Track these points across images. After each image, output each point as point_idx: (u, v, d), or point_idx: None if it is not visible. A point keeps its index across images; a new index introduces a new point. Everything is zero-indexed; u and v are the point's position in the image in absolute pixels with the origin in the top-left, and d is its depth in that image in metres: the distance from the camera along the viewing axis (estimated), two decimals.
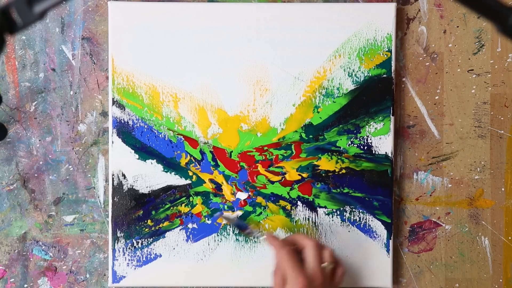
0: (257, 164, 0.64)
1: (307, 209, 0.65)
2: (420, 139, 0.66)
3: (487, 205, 0.67)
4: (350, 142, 0.64)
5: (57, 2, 0.38)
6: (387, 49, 0.64)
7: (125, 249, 0.64)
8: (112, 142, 0.64)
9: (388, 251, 0.65)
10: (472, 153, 0.66)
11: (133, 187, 0.64)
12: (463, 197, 0.67)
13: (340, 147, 0.64)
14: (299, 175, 0.65)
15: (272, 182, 0.65)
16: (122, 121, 0.64)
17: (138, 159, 0.64)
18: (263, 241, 0.60)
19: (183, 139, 0.64)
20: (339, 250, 0.65)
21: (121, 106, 0.63)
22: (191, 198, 0.64)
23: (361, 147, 0.64)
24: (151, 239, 0.64)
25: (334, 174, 0.64)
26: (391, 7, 0.64)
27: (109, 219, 0.64)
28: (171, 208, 0.64)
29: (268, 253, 0.64)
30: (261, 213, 0.65)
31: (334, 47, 0.64)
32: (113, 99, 0.63)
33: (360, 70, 0.64)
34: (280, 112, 0.64)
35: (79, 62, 0.65)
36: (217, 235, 0.65)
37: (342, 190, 0.64)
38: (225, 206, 0.65)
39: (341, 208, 0.64)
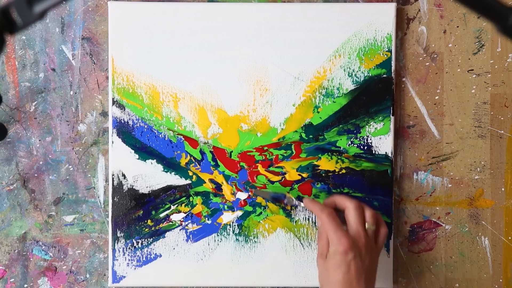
0: (257, 164, 0.64)
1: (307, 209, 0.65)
2: (420, 139, 0.66)
3: (487, 205, 0.67)
4: (350, 142, 0.64)
5: (57, 2, 0.38)
6: (387, 49, 0.64)
7: (125, 249, 0.64)
8: (112, 142, 0.64)
9: (388, 251, 0.65)
10: (472, 153, 0.66)
11: (133, 187, 0.64)
12: (463, 197, 0.67)
13: (340, 147, 0.64)
14: (299, 175, 0.65)
15: (272, 182, 0.65)
16: (122, 121, 0.64)
17: (138, 159, 0.64)
18: (303, 207, 0.60)
19: (183, 139, 0.64)
20: None
21: (121, 106, 0.63)
22: (191, 198, 0.64)
23: (361, 147, 0.64)
24: (151, 239, 0.64)
25: (334, 174, 0.64)
26: (391, 7, 0.64)
27: (109, 219, 0.64)
28: (171, 208, 0.64)
29: (268, 253, 0.64)
30: (261, 213, 0.65)
31: (334, 47, 0.64)
32: (113, 99, 0.63)
33: (360, 70, 0.64)
34: (280, 112, 0.64)
35: (79, 62, 0.65)
36: (217, 235, 0.65)
37: (342, 190, 0.64)
38: (225, 206, 0.65)
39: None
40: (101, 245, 0.66)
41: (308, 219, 0.65)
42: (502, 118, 0.66)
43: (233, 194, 0.65)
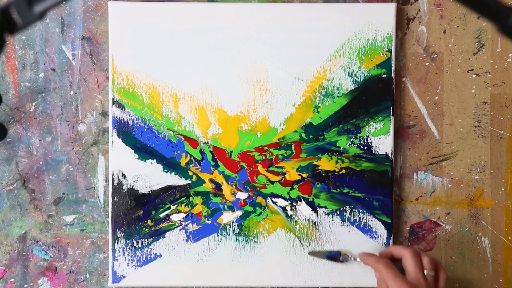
0: (257, 164, 0.64)
1: (307, 208, 0.65)
2: (420, 139, 0.66)
3: (487, 205, 0.67)
4: (350, 142, 0.64)
5: (57, 2, 0.38)
6: (387, 49, 0.64)
7: (125, 249, 0.64)
8: (112, 142, 0.64)
9: None
10: (472, 153, 0.66)
11: (133, 187, 0.64)
12: (463, 197, 0.67)
13: (340, 147, 0.64)
14: (299, 175, 0.65)
15: (272, 182, 0.65)
16: (122, 121, 0.64)
17: (138, 159, 0.64)
18: (359, 262, 0.62)
19: (183, 139, 0.64)
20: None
21: (121, 106, 0.63)
22: (191, 198, 0.64)
23: (361, 147, 0.64)
24: (151, 239, 0.64)
25: (334, 174, 0.64)
26: (391, 7, 0.64)
27: (109, 219, 0.64)
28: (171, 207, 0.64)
29: (268, 253, 0.64)
30: (261, 213, 0.65)
31: (334, 47, 0.64)
32: (113, 99, 0.63)
33: (360, 70, 0.64)
34: (280, 112, 0.64)
35: (79, 62, 0.65)
36: (217, 235, 0.65)
37: (342, 190, 0.64)
38: (225, 206, 0.65)
39: (341, 208, 0.64)
40: (101, 245, 0.66)
41: (308, 219, 0.65)
42: (502, 118, 0.66)
43: (233, 194, 0.65)
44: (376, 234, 0.65)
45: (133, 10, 0.63)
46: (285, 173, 0.65)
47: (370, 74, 0.64)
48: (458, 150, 0.66)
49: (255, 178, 0.65)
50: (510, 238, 0.67)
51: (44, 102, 0.65)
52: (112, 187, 0.64)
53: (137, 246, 0.64)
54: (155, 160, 0.64)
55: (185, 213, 0.64)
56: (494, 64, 0.66)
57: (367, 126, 0.64)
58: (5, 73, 0.65)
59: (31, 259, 0.66)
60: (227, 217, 0.65)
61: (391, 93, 0.64)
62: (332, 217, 0.65)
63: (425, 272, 0.56)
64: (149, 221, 0.64)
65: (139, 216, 0.64)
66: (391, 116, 0.64)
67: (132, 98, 0.63)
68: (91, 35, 0.65)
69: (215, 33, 0.63)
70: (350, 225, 0.65)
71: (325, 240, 0.65)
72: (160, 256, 0.64)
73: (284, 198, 0.65)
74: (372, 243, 0.65)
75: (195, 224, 0.64)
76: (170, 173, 0.64)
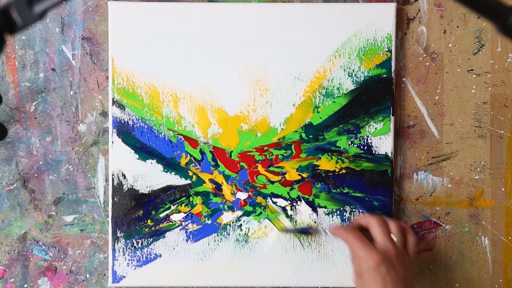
0: (257, 164, 0.64)
1: (307, 208, 0.65)
2: (420, 139, 0.66)
3: (487, 205, 0.67)
4: (350, 142, 0.64)
5: (57, 2, 0.38)
6: (387, 49, 0.64)
7: (125, 249, 0.64)
8: (112, 142, 0.64)
9: None
10: (472, 153, 0.66)
11: (133, 187, 0.64)
12: (463, 197, 0.67)
13: (340, 147, 0.64)
14: (299, 175, 0.65)
15: (272, 182, 0.65)
16: (122, 121, 0.64)
17: (138, 159, 0.64)
18: (330, 235, 0.62)
19: (183, 139, 0.64)
20: (339, 250, 0.65)
21: (121, 106, 0.63)
22: (191, 198, 0.64)
23: (361, 147, 0.64)
24: (151, 239, 0.64)
25: (334, 174, 0.64)
26: (391, 7, 0.64)
27: (109, 219, 0.64)
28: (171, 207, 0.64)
29: (268, 253, 0.64)
30: (261, 213, 0.65)
31: (334, 47, 0.64)
32: (113, 99, 0.63)
33: (360, 70, 0.64)
34: (280, 112, 0.64)
35: (79, 62, 0.65)
36: (217, 235, 0.65)
37: (342, 190, 0.64)
38: (225, 206, 0.65)
39: (341, 208, 0.64)
40: (101, 245, 0.66)
41: (309, 218, 0.65)
42: (502, 118, 0.66)
43: (233, 194, 0.65)
44: None
45: (133, 10, 0.63)
46: (285, 173, 0.65)
47: (370, 74, 0.64)
48: (458, 150, 0.66)
49: (255, 178, 0.65)
50: (510, 238, 0.67)
51: (44, 102, 0.65)
52: (112, 187, 0.64)
53: (137, 246, 0.64)
54: (155, 160, 0.64)
55: (185, 213, 0.64)
56: (494, 64, 0.66)
57: (367, 126, 0.64)
58: (5, 73, 0.65)
59: (31, 259, 0.66)
60: (227, 217, 0.65)
61: (391, 93, 0.64)
62: (332, 217, 0.65)
63: (393, 237, 0.56)
64: (149, 221, 0.64)
65: (139, 216, 0.64)
66: (391, 116, 0.64)
67: (132, 98, 0.63)
68: (91, 35, 0.65)
69: (215, 33, 0.63)
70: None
71: (325, 240, 0.65)
72: (160, 256, 0.64)
73: (284, 198, 0.65)
74: None
75: (195, 224, 0.64)
76: (170, 173, 0.64)
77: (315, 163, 0.64)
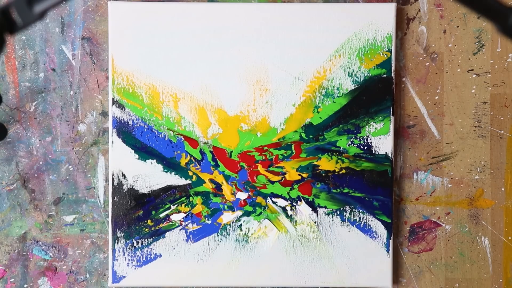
0: (257, 164, 0.64)
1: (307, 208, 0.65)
2: (420, 139, 0.66)
3: (487, 205, 0.67)
4: (350, 142, 0.64)
5: (57, 2, 0.38)
6: (387, 49, 0.64)
7: (125, 249, 0.64)
8: (112, 142, 0.64)
9: (388, 251, 0.65)
10: (472, 153, 0.66)
11: (133, 187, 0.64)
12: (463, 197, 0.67)
13: (340, 147, 0.64)
14: (299, 175, 0.65)
15: (272, 182, 0.65)
16: (122, 121, 0.64)
17: (138, 159, 0.64)
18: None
19: (183, 139, 0.64)
20: (339, 250, 0.65)
21: (121, 106, 0.63)
22: (191, 198, 0.64)
23: (361, 147, 0.64)
24: (151, 239, 0.64)
25: (334, 174, 0.64)
26: (391, 7, 0.64)
27: (109, 219, 0.64)
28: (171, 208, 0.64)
29: (268, 253, 0.64)
30: (261, 213, 0.65)
31: (334, 47, 0.64)
32: (113, 99, 0.63)
33: (360, 70, 0.64)
34: (280, 112, 0.64)
35: (79, 62, 0.65)
36: (217, 235, 0.65)
37: (342, 190, 0.64)
38: (225, 206, 0.65)
39: (341, 208, 0.64)
40: (101, 245, 0.66)
41: (308, 218, 0.65)
42: (502, 118, 0.66)
43: (233, 194, 0.65)
44: (376, 234, 0.65)
45: (133, 10, 0.63)
46: (285, 173, 0.65)
47: (370, 74, 0.64)
48: (458, 150, 0.66)
49: (255, 178, 0.65)
50: (510, 238, 0.67)
51: (44, 102, 0.65)
52: (112, 187, 0.64)
53: (137, 246, 0.64)
54: (155, 160, 0.64)
55: (185, 213, 0.64)
56: (494, 64, 0.66)
57: (367, 126, 0.64)
58: (5, 73, 0.65)
59: (31, 259, 0.66)
60: (227, 217, 0.65)
61: (391, 93, 0.64)
62: (332, 217, 0.65)
63: None
64: (149, 221, 0.64)
65: (139, 216, 0.64)
66: (391, 116, 0.64)
67: (132, 98, 0.63)
68: (91, 35, 0.65)
69: (215, 33, 0.63)
70: (350, 225, 0.65)
71: (325, 240, 0.65)
72: (160, 256, 0.64)
73: (284, 198, 0.65)
74: (372, 243, 0.65)
75: (195, 224, 0.64)
76: (170, 173, 0.64)
77: (315, 163, 0.64)
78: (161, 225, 0.64)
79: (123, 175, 0.64)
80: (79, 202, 0.66)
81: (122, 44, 0.63)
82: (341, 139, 0.64)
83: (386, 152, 0.64)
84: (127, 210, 0.64)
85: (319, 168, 0.64)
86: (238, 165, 0.64)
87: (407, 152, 0.66)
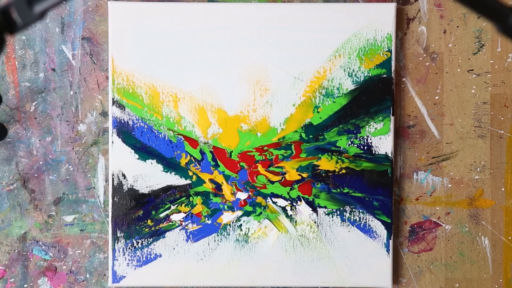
0: (257, 164, 0.64)
1: (307, 208, 0.65)
2: (420, 139, 0.66)
3: (487, 205, 0.67)
4: (350, 142, 0.64)
5: (57, 2, 0.38)
6: (387, 49, 0.64)
7: (125, 249, 0.64)
8: (112, 142, 0.64)
9: (388, 251, 0.65)
10: (472, 153, 0.66)
11: (133, 187, 0.64)
12: (463, 197, 0.67)
13: (340, 147, 0.64)
14: (299, 175, 0.65)
15: (272, 182, 0.65)
16: (122, 121, 0.64)
17: (138, 159, 0.64)
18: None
19: (183, 139, 0.64)
20: (339, 250, 0.65)
21: (121, 106, 0.63)
22: (191, 198, 0.64)
23: (361, 147, 0.64)
24: (151, 239, 0.64)
25: (334, 174, 0.64)
26: (391, 7, 0.64)
27: (109, 219, 0.64)
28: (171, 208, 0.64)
29: (268, 253, 0.64)
30: (261, 213, 0.65)
31: (334, 47, 0.64)
32: (113, 99, 0.63)
33: (360, 70, 0.64)
34: (280, 112, 0.64)
35: (79, 62, 0.65)
36: (217, 235, 0.65)
37: (342, 190, 0.64)
38: (225, 206, 0.65)
39: (341, 208, 0.64)
40: (101, 245, 0.66)
41: (309, 218, 0.65)
42: (502, 118, 0.66)
43: (233, 194, 0.65)
44: (376, 234, 0.65)
45: (133, 10, 0.63)
46: (285, 173, 0.65)
47: (370, 74, 0.64)
48: (458, 150, 0.66)
49: (255, 178, 0.65)
50: (510, 238, 0.67)
51: (44, 102, 0.65)
52: (112, 187, 0.64)
53: (137, 246, 0.64)
54: (155, 160, 0.64)
55: (185, 213, 0.64)
56: (494, 64, 0.66)
57: (367, 126, 0.64)
58: (5, 73, 0.65)
59: (31, 259, 0.66)
60: (227, 217, 0.65)
61: (391, 93, 0.64)
62: (332, 217, 0.65)
63: None
64: (149, 221, 0.64)
65: (139, 216, 0.64)
66: (391, 116, 0.64)
67: (132, 98, 0.63)
68: (91, 35, 0.65)
69: (215, 33, 0.63)
70: (350, 225, 0.65)
71: (325, 240, 0.65)
72: (160, 256, 0.64)
73: (284, 198, 0.65)
74: (372, 243, 0.65)
75: (195, 224, 0.64)
76: (170, 173, 0.64)
77: (315, 163, 0.64)
78: (161, 225, 0.64)
79: (123, 175, 0.64)
80: (79, 202, 0.66)
81: (122, 44, 0.63)
82: (341, 139, 0.64)
83: (386, 152, 0.64)
84: (127, 210, 0.64)
85: (319, 168, 0.64)
86: (238, 165, 0.64)
87: (407, 152, 0.66)
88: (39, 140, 0.65)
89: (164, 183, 0.64)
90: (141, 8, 0.63)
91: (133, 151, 0.64)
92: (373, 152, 0.64)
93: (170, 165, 0.64)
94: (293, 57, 0.64)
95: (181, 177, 0.64)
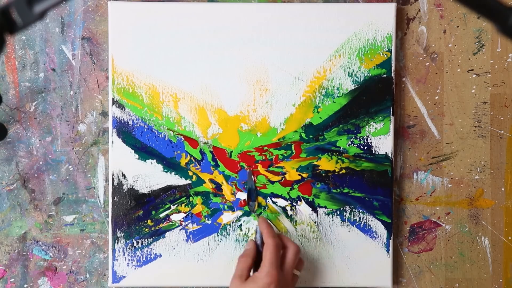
0: (257, 164, 0.64)
1: (307, 208, 0.65)
2: (420, 139, 0.66)
3: (487, 205, 0.67)
4: (350, 142, 0.64)
5: (57, 2, 0.38)
6: (387, 49, 0.64)
7: (125, 249, 0.64)
8: (112, 142, 0.64)
9: (388, 251, 0.65)
10: (472, 153, 0.66)
11: (133, 187, 0.64)
12: (463, 197, 0.67)
13: (340, 147, 0.64)
14: (299, 175, 0.65)
15: (272, 182, 0.65)
16: (122, 121, 0.64)
17: (138, 159, 0.64)
18: (257, 221, 0.63)
19: (183, 139, 0.64)
20: (339, 250, 0.65)
21: (121, 106, 0.63)
22: (191, 198, 0.64)
23: (361, 147, 0.64)
24: (151, 239, 0.64)
25: (334, 174, 0.64)
26: (391, 7, 0.64)
27: (109, 219, 0.64)
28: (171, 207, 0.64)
29: None
30: (261, 213, 0.65)
31: (334, 47, 0.64)
32: (113, 99, 0.63)
33: (360, 70, 0.64)
34: (280, 112, 0.64)
35: (79, 62, 0.65)
36: (217, 235, 0.65)
37: (342, 190, 0.64)
38: (225, 206, 0.65)
39: (341, 208, 0.64)
40: (101, 245, 0.66)
41: (309, 218, 0.65)
42: (502, 118, 0.66)
43: (233, 194, 0.65)
44: (376, 234, 0.65)
45: (133, 10, 0.63)
46: (285, 173, 0.65)
47: (370, 74, 0.64)
48: (458, 150, 0.66)
49: (255, 178, 0.65)
50: (510, 238, 0.67)
51: (44, 102, 0.65)
52: (112, 187, 0.64)
53: (137, 246, 0.64)
54: (155, 160, 0.64)
55: (185, 213, 0.64)
56: (494, 64, 0.66)
57: (367, 126, 0.64)
58: (5, 73, 0.65)
59: (31, 259, 0.66)
60: (227, 217, 0.65)
61: (391, 93, 0.64)
62: (332, 217, 0.65)
63: (296, 272, 0.59)
64: (149, 221, 0.64)
65: (139, 216, 0.64)
66: (391, 116, 0.64)
67: (132, 98, 0.63)
68: (91, 35, 0.65)
69: (215, 33, 0.63)
70: (350, 225, 0.65)
71: (325, 240, 0.65)
72: (160, 256, 0.64)
73: (284, 198, 0.65)
74: (372, 243, 0.65)
75: (195, 224, 0.64)
76: (170, 173, 0.64)
77: (315, 163, 0.64)
78: (161, 225, 0.64)
79: (123, 175, 0.64)
80: (79, 202, 0.66)
81: (122, 44, 0.63)
82: (341, 139, 0.64)
83: (386, 152, 0.64)
84: (127, 210, 0.64)
85: (319, 168, 0.64)
86: (238, 165, 0.64)
87: (407, 152, 0.66)
88: (39, 140, 0.65)
89: (164, 183, 0.64)
90: (141, 8, 0.63)
91: (133, 151, 0.64)
92: (373, 152, 0.64)
93: (170, 165, 0.64)
94: (293, 57, 0.64)
95: (181, 177, 0.64)
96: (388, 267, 0.65)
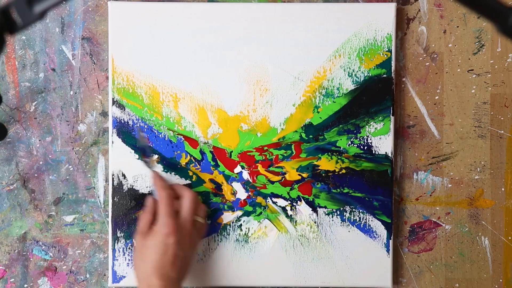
0: (257, 164, 0.64)
1: (307, 208, 0.65)
2: (420, 139, 0.66)
3: (487, 205, 0.67)
4: (350, 142, 0.64)
5: (57, 2, 0.38)
6: (387, 49, 0.64)
7: (125, 249, 0.64)
8: (112, 142, 0.64)
9: (388, 251, 0.65)
10: (472, 153, 0.66)
11: (133, 187, 0.64)
12: (463, 197, 0.67)
13: (340, 147, 0.64)
14: (299, 175, 0.65)
15: (272, 182, 0.65)
16: (122, 121, 0.64)
17: (138, 159, 0.64)
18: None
19: (183, 139, 0.64)
20: (339, 250, 0.65)
21: (121, 106, 0.63)
22: None
23: (361, 147, 0.64)
24: None
25: (334, 174, 0.64)
26: (391, 7, 0.64)
27: (109, 219, 0.64)
28: None
29: (268, 253, 0.64)
30: (261, 213, 0.65)
31: (334, 47, 0.64)
32: (113, 99, 0.63)
33: (360, 70, 0.64)
34: (280, 112, 0.64)
35: (79, 62, 0.65)
36: (217, 235, 0.65)
37: (342, 190, 0.64)
38: (225, 206, 0.65)
39: (341, 208, 0.64)
40: (101, 245, 0.66)
41: (308, 218, 0.65)
42: (502, 118, 0.66)
43: (233, 194, 0.65)
44: (376, 234, 0.65)
45: (133, 10, 0.63)
46: (285, 173, 0.65)
47: (370, 74, 0.64)
48: (458, 150, 0.66)
49: (255, 178, 0.65)
50: (510, 238, 0.67)
51: (44, 102, 0.65)
52: (112, 187, 0.64)
53: None
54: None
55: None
56: (494, 64, 0.66)
57: (367, 126, 0.64)
58: (5, 73, 0.65)
59: (31, 259, 0.66)
60: (227, 217, 0.65)
61: (391, 93, 0.64)
62: (332, 217, 0.65)
63: (197, 218, 0.60)
64: None
65: (139, 216, 0.64)
66: (391, 116, 0.64)
67: (132, 98, 0.63)
68: (91, 35, 0.65)
69: (215, 33, 0.63)
70: (350, 225, 0.65)
71: (325, 240, 0.65)
72: None
73: (284, 198, 0.65)
74: (372, 243, 0.65)
75: None
76: (170, 173, 0.64)
77: (315, 163, 0.64)
78: None
79: (123, 175, 0.64)
80: (79, 202, 0.66)
81: (122, 44, 0.63)
82: (341, 139, 0.64)
83: (386, 152, 0.64)
84: (127, 210, 0.64)
85: (319, 168, 0.64)
86: (238, 165, 0.64)
87: (407, 152, 0.66)
88: (39, 140, 0.65)
89: None
90: (141, 8, 0.63)
91: (133, 151, 0.64)
92: (373, 152, 0.64)
93: (170, 165, 0.64)
94: (293, 57, 0.64)
95: (181, 177, 0.64)
96: (388, 267, 0.65)
